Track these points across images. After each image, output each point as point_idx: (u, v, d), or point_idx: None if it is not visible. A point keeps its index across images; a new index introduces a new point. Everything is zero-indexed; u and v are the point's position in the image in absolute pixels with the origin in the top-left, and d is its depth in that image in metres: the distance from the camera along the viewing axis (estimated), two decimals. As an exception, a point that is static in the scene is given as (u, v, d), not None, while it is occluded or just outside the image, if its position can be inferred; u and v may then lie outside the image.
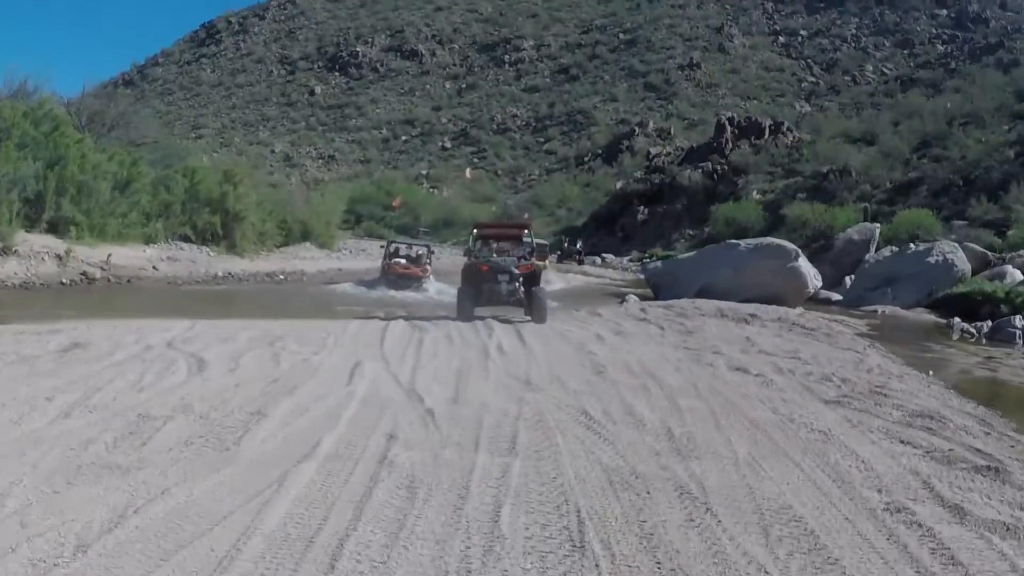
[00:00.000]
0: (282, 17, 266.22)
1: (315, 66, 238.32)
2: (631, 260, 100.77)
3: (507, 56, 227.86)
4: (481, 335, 22.67)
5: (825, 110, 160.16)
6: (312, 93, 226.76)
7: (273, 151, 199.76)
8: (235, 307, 32.37)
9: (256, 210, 55.40)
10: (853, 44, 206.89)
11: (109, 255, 39.85)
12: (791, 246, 43.42)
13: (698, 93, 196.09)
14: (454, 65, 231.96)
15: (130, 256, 41.86)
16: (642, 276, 67.04)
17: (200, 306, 30.93)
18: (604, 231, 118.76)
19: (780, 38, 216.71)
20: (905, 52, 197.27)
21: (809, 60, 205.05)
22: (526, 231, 30.83)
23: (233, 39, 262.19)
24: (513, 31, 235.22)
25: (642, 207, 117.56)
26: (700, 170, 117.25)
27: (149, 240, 46.68)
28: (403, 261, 43.05)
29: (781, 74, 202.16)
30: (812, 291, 43.40)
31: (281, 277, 46.30)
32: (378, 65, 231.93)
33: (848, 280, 49.55)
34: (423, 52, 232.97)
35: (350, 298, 38.29)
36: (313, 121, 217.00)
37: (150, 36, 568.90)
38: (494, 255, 28.86)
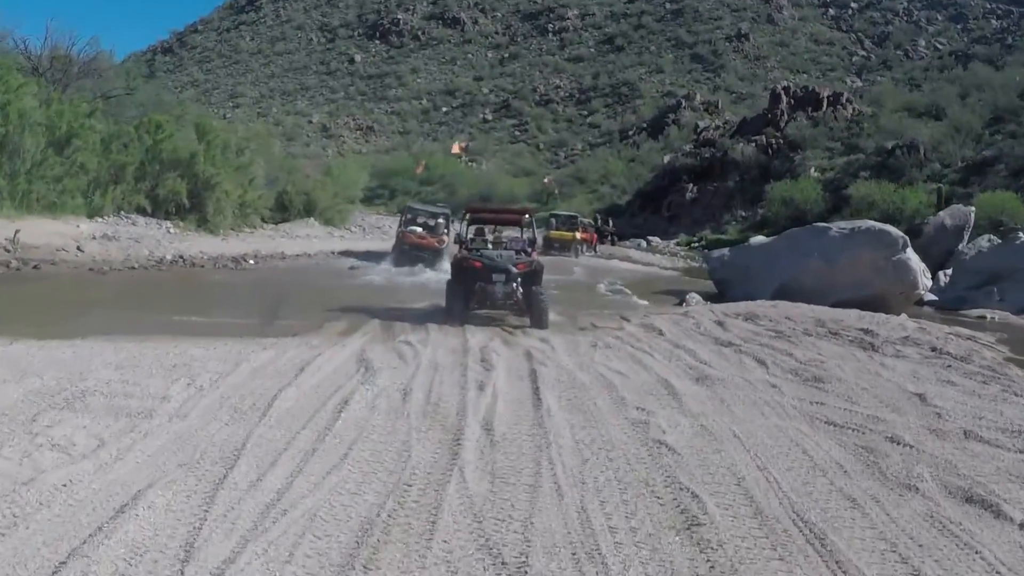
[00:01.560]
0: None
1: (355, 34, 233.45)
2: (679, 243, 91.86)
3: (551, 25, 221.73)
4: (466, 384, 13.62)
5: (877, 85, 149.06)
6: (352, 62, 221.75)
7: (310, 121, 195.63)
8: (137, 307, 22.92)
9: (233, 176, 45.39)
10: (905, 18, 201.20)
11: (17, 231, 30.45)
12: (897, 232, 33.13)
13: (746, 65, 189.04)
14: (496, 34, 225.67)
15: (50, 233, 32.41)
16: (695, 263, 61.31)
17: (78, 307, 22.40)
18: (650, 210, 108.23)
19: (830, 10, 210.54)
20: (958, 27, 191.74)
21: (860, 33, 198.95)
22: (526, 216, 26.96)
23: (273, 6, 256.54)
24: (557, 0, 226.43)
25: (691, 184, 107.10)
26: (754, 144, 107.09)
27: (94, 212, 37.42)
28: (419, 230, 37.99)
29: (831, 47, 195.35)
30: (922, 292, 33.61)
31: (251, 262, 35.99)
32: (419, 33, 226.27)
33: (943, 276, 38.90)
34: (465, 20, 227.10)
35: (321, 289, 29.36)
36: (352, 91, 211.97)
37: (190, 5, 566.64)
38: (489, 245, 24.56)
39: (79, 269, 29.48)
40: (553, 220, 62.73)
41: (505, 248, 24.21)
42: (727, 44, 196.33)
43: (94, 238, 33.64)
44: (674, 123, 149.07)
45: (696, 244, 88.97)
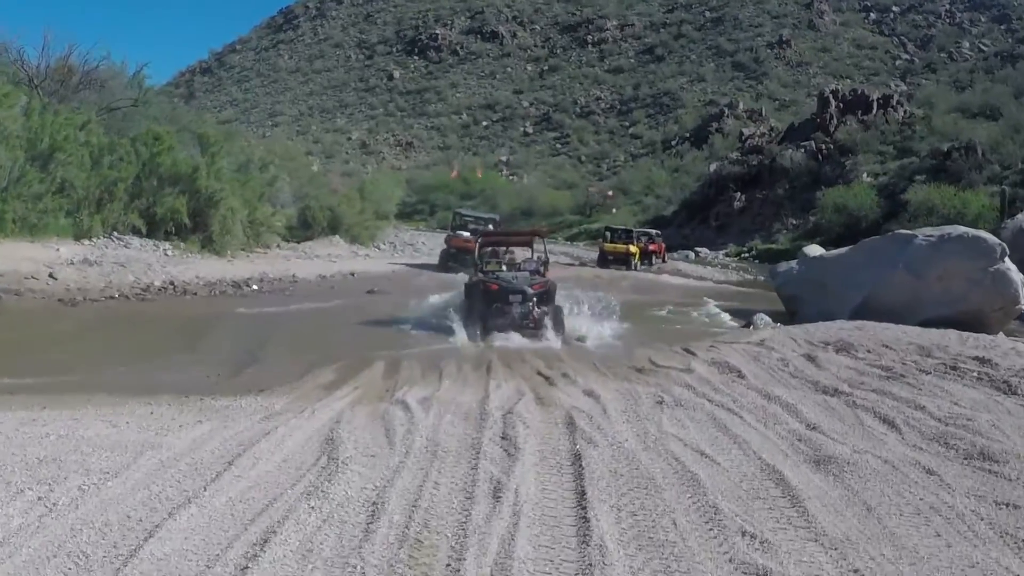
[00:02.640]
0: (360, 0, 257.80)
1: (393, 50, 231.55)
2: (728, 254, 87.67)
3: (590, 36, 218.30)
4: (474, 488, 8.76)
5: (924, 87, 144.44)
6: (391, 78, 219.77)
7: (349, 138, 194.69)
8: (77, 351, 17.99)
9: (239, 192, 40.77)
10: (948, 20, 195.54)
11: (-26, 259, 25.67)
12: (993, 239, 28.41)
13: (788, 72, 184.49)
14: (535, 46, 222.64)
15: (21, 258, 27.60)
16: (750, 275, 58.52)
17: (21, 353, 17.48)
18: (696, 220, 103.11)
19: (871, 14, 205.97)
20: (1002, 27, 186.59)
21: (902, 37, 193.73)
22: (535, 238, 27.40)
23: (311, 24, 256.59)
24: (596, 10, 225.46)
25: (738, 192, 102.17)
26: (803, 150, 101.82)
27: (82, 234, 32.95)
28: (466, 234, 38.60)
29: (874, 52, 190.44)
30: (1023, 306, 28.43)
31: (254, 287, 31.20)
32: (458, 48, 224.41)
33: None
34: (504, 33, 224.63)
35: (324, 322, 25.02)
36: (392, 107, 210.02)
37: (229, 24, 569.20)
38: (504, 267, 24.67)
39: (47, 300, 24.67)
40: (608, 233, 61.07)
41: (519, 269, 24.25)
42: (768, 51, 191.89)
43: (72, 263, 28.88)
44: (717, 131, 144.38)
45: (746, 254, 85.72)
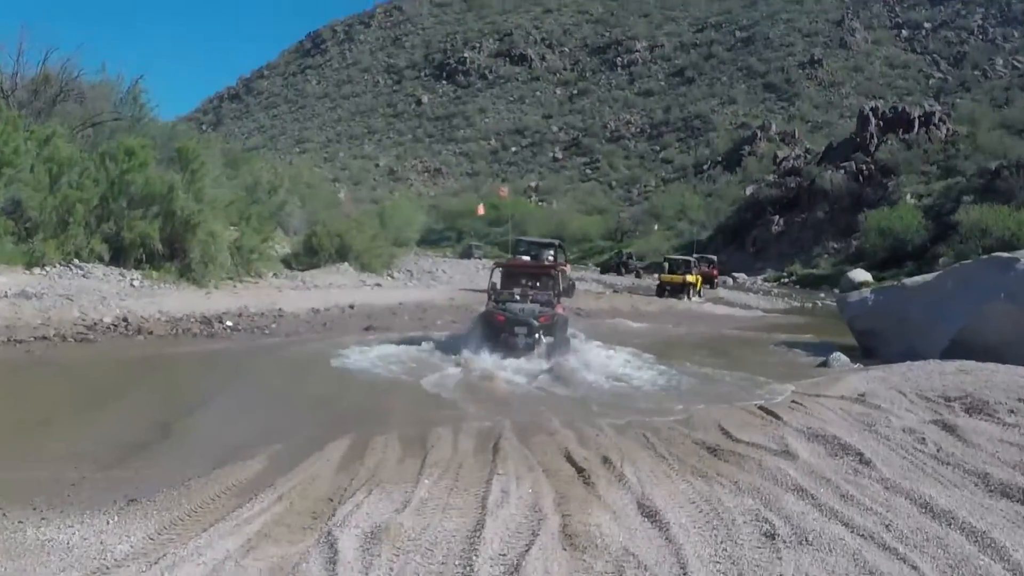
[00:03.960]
0: (388, 24, 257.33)
1: (422, 74, 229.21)
2: (767, 280, 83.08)
3: (619, 59, 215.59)
4: None
5: (962, 106, 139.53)
6: (419, 103, 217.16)
7: (377, 165, 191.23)
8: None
9: (223, 215, 35.66)
10: (980, 36, 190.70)
11: None
12: (1106, 263, 23.78)
13: (821, 93, 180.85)
14: (565, 70, 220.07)
15: (-60, 292, 22.62)
16: (795, 303, 54.76)
17: None
18: (734, 246, 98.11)
19: (903, 32, 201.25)
20: None
21: (935, 54, 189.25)
22: (553, 270, 26.41)
23: (339, 48, 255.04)
24: (625, 32, 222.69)
25: (776, 216, 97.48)
26: (842, 171, 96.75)
27: (35, 262, 27.93)
28: (526, 259, 32.21)
29: (907, 70, 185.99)
30: None
31: (227, 324, 25.60)
32: (486, 71, 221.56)
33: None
34: (532, 56, 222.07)
35: (292, 373, 19.56)
36: (420, 132, 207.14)
37: (257, 50, 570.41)
38: (517, 296, 23.94)
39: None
40: (667, 264, 59.04)
41: (532, 300, 23.70)
42: (800, 71, 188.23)
43: (5, 296, 23.87)
44: (751, 154, 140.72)
45: (786, 280, 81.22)
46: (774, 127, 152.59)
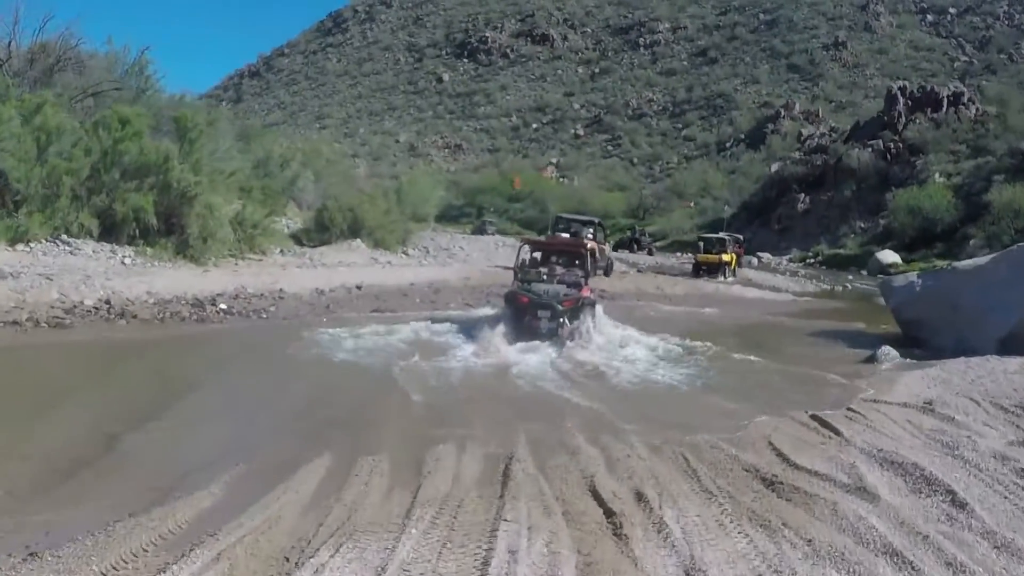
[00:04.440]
0: (409, 4, 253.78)
1: (443, 53, 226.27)
2: (792, 260, 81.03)
3: (642, 39, 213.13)
4: None
5: (990, 86, 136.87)
6: (440, 81, 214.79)
7: (397, 141, 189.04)
8: None
9: (224, 187, 33.32)
10: (1006, 21, 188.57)
11: None
12: None
13: (845, 74, 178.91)
14: (587, 49, 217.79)
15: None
16: (825, 285, 53.85)
17: None
18: (758, 223, 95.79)
19: (928, 16, 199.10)
20: None
21: (960, 38, 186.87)
22: (583, 248, 25.57)
23: (360, 27, 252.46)
24: (648, 13, 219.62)
25: (802, 194, 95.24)
26: (869, 149, 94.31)
27: (19, 238, 25.72)
28: (565, 236, 36.19)
29: (931, 53, 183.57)
30: None
31: (221, 307, 23.14)
32: (508, 51, 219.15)
33: None
34: (554, 36, 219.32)
35: (283, 367, 17.00)
36: (440, 109, 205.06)
37: (278, 29, 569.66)
38: (544, 277, 22.67)
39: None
40: (702, 243, 57.64)
41: (559, 281, 22.44)
42: (824, 53, 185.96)
43: (-29, 278, 21.64)
44: (774, 132, 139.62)
45: (811, 260, 79.44)
46: (798, 106, 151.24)
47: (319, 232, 43.69)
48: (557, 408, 13.84)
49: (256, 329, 21.30)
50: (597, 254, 37.92)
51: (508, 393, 15.29)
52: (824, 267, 74.05)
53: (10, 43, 37.38)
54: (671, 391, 16.05)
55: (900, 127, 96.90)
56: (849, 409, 14.05)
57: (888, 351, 21.28)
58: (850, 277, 61.79)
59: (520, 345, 19.72)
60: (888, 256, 68.07)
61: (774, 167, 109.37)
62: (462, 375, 16.66)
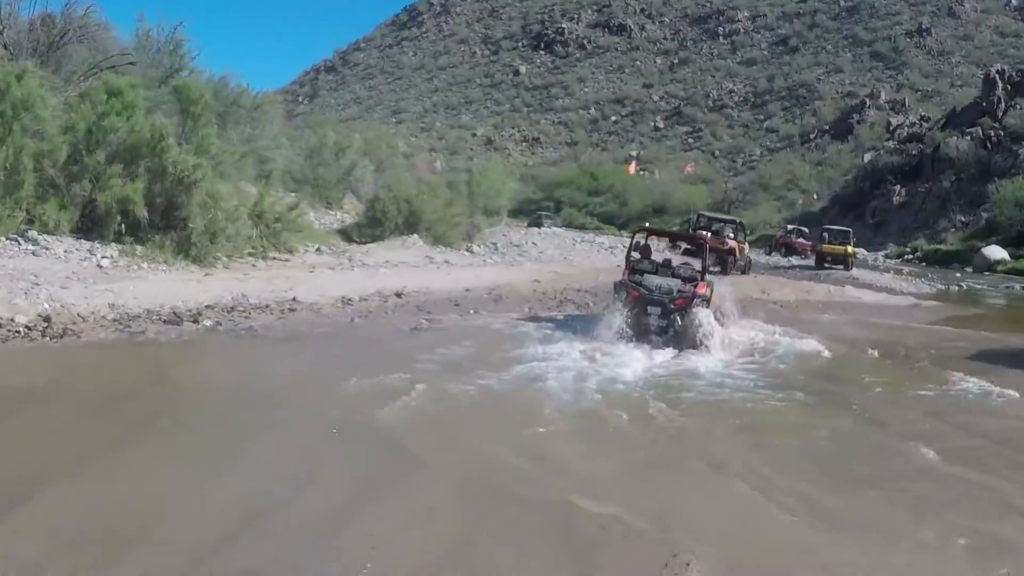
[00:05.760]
0: None
1: (519, 45, 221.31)
2: (888, 256, 74.86)
3: (720, 28, 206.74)
4: None
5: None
6: (516, 73, 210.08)
7: (474, 135, 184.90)
8: None
9: (237, 172, 27.66)
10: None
11: None
12: None
13: (930, 62, 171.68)
14: (665, 39, 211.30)
15: None
16: (939, 285, 46.33)
17: None
18: (851, 216, 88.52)
19: (1014, 0, 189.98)
20: None
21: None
22: (703, 240, 23.78)
23: (435, 21, 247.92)
24: (726, 1, 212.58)
25: (897, 186, 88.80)
26: (968, 137, 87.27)
27: (-26, 234, 19.90)
28: (706, 234, 33.88)
29: (1018, 39, 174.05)
30: None
31: (204, 324, 17.16)
32: (585, 42, 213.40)
33: None
34: (632, 27, 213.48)
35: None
36: (518, 102, 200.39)
37: (353, 24, 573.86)
38: (657, 271, 20.35)
39: None
40: (826, 234, 57.20)
41: (674, 275, 20.08)
42: (907, 40, 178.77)
43: None
44: (860, 122, 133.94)
45: (909, 256, 72.88)
46: (883, 95, 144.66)
47: (371, 227, 37.97)
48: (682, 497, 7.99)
49: (229, 360, 15.56)
50: (737, 253, 40.41)
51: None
52: (923, 264, 67.89)
53: (9, 14, 32.01)
54: (839, 468, 10.38)
55: (1000, 113, 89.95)
56: None
57: None
58: (957, 275, 55.67)
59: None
60: (995, 252, 62.17)
61: (867, 157, 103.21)
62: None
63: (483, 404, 12.57)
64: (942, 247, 72.18)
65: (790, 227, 70.70)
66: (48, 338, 14.73)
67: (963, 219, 78.49)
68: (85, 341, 14.86)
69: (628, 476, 9.80)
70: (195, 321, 17.18)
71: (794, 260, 60.12)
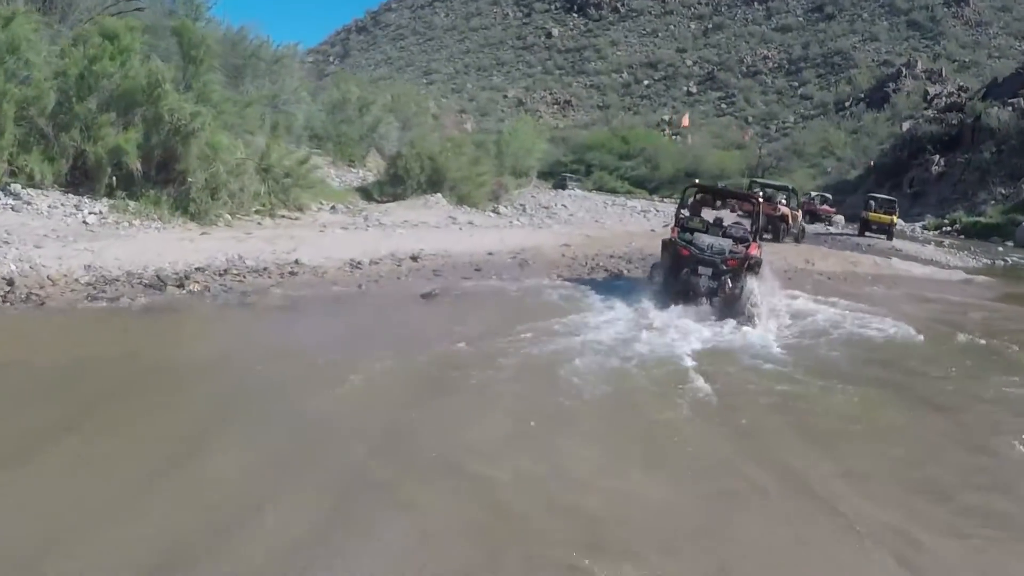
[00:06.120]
0: None
1: (552, 7, 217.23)
2: (926, 227, 71.98)
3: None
4: None
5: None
6: (549, 36, 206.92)
7: (505, 96, 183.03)
8: None
9: (240, 122, 25.56)
10: None
11: None
12: None
13: (967, 32, 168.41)
14: (699, 4, 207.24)
15: None
16: (985, 260, 44.49)
17: None
18: (888, 186, 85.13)
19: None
20: None
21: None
22: (755, 199, 21.04)
23: None
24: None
25: (936, 156, 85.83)
26: (1010, 107, 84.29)
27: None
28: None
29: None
30: None
31: (191, 288, 15.21)
32: (618, 5, 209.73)
33: None
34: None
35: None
36: (550, 65, 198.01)
37: None
38: (708, 229, 19.23)
39: None
40: (872, 202, 57.36)
41: (725, 234, 18.92)
42: (945, 10, 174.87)
43: None
44: (896, 91, 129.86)
45: (948, 228, 70.33)
46: (920, 64, 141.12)
47: (393, 185, 36.03)
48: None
49: (211, 333, 13.66)
50: (790, 220, 39.73)
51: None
52: (962, 236, 65.26)
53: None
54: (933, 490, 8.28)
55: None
56: None
57: None
58: (1000, 249, 53.49)
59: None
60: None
61: (905, 126, 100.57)
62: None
63: (498, 404, 10.53)
64: (981, 219, 69.59)
65: (813, 194, 70.55)
66: (8, 303, 12.86)
67: (1003, 191, 75.51)
68: (48, 308, 12.97)
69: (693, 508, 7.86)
70: (180, 286, 15.27)
71: (820, 228, 58.52)
